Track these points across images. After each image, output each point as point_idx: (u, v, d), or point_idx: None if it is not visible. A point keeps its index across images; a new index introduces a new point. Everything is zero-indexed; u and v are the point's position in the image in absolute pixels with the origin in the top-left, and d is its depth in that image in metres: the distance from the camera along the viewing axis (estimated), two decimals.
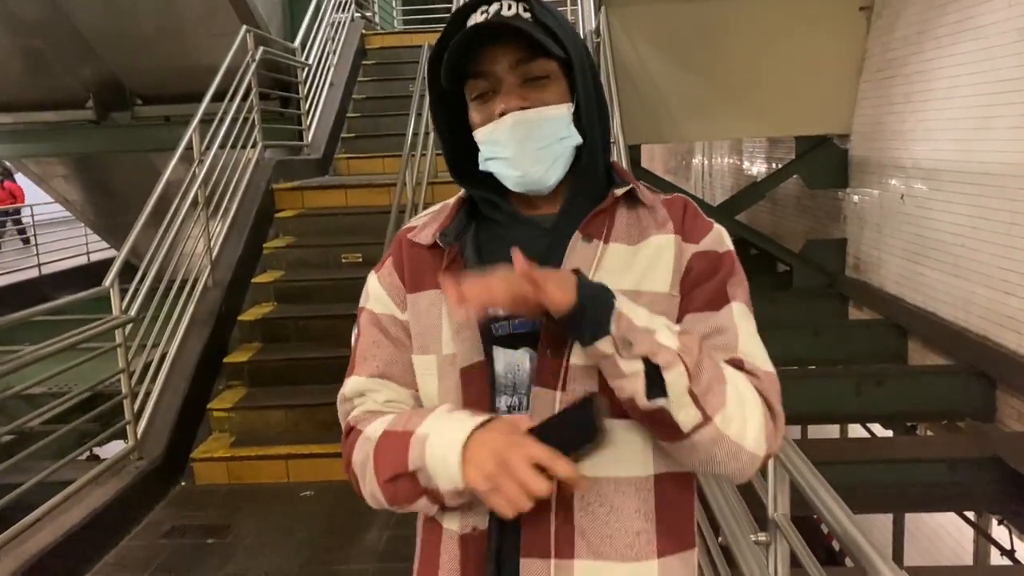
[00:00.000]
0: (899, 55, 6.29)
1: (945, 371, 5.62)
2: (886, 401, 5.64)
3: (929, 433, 6.60)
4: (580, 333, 1.01)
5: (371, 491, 1.12)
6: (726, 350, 1.07)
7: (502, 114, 1.09)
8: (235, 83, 6.07)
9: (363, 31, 9.69)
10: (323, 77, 8.26)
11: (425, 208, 5.05)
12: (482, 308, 0.99)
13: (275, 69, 7.29)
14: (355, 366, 1.20)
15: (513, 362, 1.10)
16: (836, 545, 8.58)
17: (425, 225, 1.19)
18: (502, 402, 1.10)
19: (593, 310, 0.99)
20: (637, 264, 1.10)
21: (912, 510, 6.60)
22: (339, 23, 8.99)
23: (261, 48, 6.54)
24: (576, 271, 1.02)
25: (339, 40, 8.91)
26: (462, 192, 1.22)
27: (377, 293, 1.20)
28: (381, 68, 9.33)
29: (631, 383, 0.99)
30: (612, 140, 5.41)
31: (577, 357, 1.06)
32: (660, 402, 0.99)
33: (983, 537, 7.04)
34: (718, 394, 1.01)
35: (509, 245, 1.04)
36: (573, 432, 1.01)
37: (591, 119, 1.13)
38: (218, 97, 5.84)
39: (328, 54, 8.48)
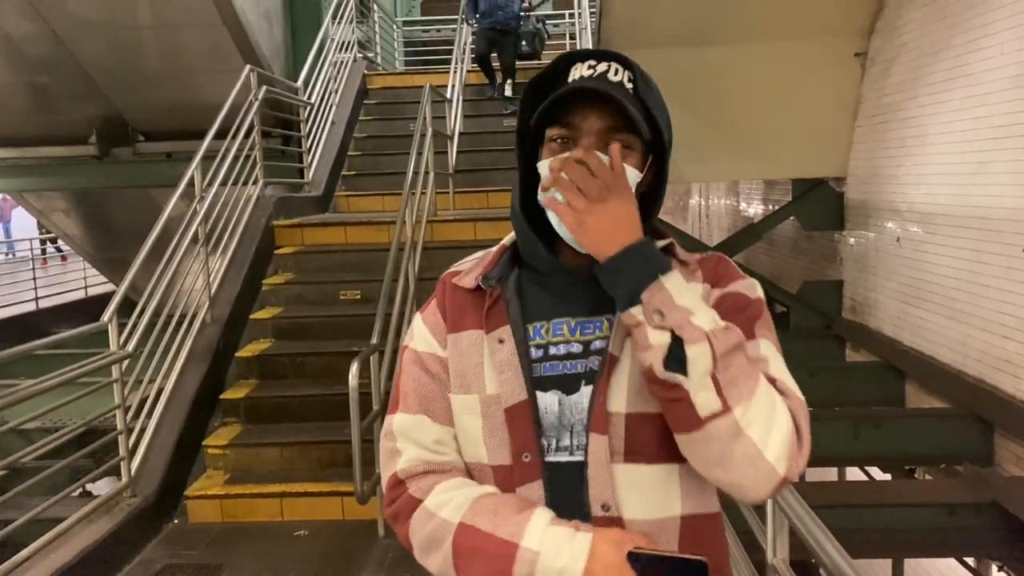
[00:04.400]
0: (894, 100, 6.38)
1: (943, 414, 5.61)
2: (884, 444, 5.62)
3: (928, 477, 6.56)
4: (615, 290, 1.06)
5: (441, 570, 1.12)
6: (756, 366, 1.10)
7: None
8: (238, 121, 6.12)
9: (365, 71, 9.80)
10: (325, 116, 8.34)
11: (424, 246, 5.00)
12: None
13: (277, 107, 7.37)
14: (398, 403, 1.22)
15: (543, 404, 1.13)
16: None
17: (469, 271, 1.23)
18: None
19: (633, 269, 1.04)
20: None
21: (911, 555, 6.53)
22: (341, 63, 9.10)
23: (264, 87, 6.61)
24: (649, 240, 1.07)
25: (341, 80, 9.00)
26: (505, 239, 1.26)
27: (421, 333, 1.24)
28: (382, 108, 9.43)
29: (653, 354, 1.01)
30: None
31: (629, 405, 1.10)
32: (678, 378, 1.00)
33: None
34: (744, 388, 1.01)
35: (550, 292, 1.18)
36: None
37: (662, 195, 1.19)
38: (220, 134, 5.89)
39: (330, 93, 8.57)
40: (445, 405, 1.19)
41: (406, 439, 1.19)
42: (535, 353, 1.14)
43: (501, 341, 1.15)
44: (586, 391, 1.11)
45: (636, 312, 1.03)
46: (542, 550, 1.03)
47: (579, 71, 1.14)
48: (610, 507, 1.08)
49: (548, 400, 1.12)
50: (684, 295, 1.03)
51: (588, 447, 1.10)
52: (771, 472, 1.02)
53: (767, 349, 1.11)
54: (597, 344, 1.13)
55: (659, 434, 1.09)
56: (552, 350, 1.14)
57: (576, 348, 1.14)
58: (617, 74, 1.13)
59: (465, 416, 1.17)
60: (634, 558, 1.02)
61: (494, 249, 1.26)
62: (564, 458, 1.11)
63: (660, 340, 1.01)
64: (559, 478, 1.11)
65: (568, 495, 1.09)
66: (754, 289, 1.17)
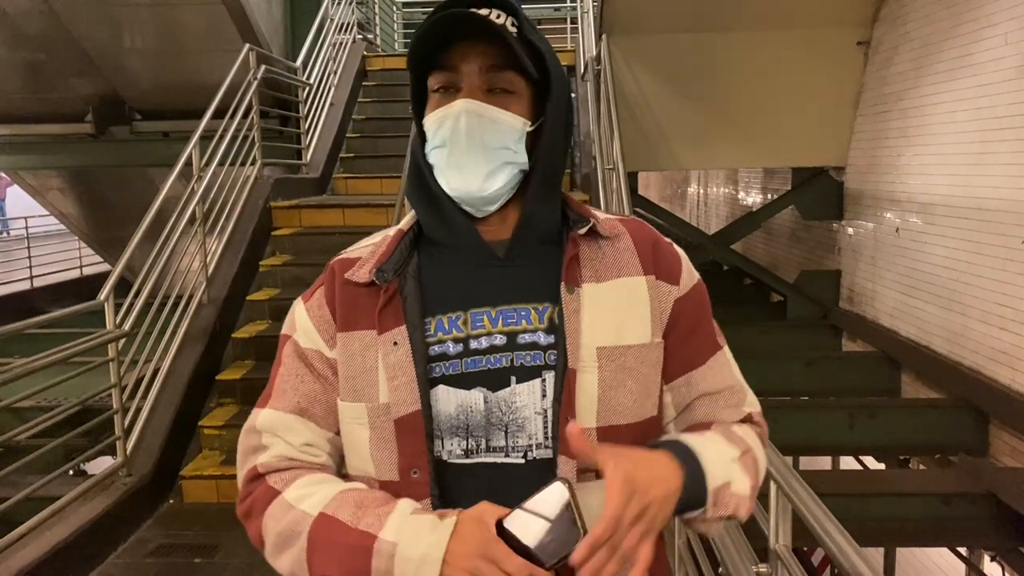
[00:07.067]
0: (895, 90, 6.36)
1: (938, 405, 5.63)
2: (879, 433, 5.64)
3: (922, 467, 6.58)
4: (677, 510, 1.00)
5: (292, 570, 1.03)
6: (737, 406, 1.13)
7: None
8: (236, 101, 6.07)
9: (364, 52, 9.74)
10: (323, 97, 8.29)
11: None
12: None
13: (276, 88, 7.32)
14: (270, 398, 1.12)
15: (466, 403, 1.03)
16: None
17: (363, 262, 1.10)
18: (455, 445, 1.03)
19: (693, 489, 1.00)
20: (612, 308, 1.07)
21: (905, 544, 6.57)
22: (341, 44, 9.04)
23: (263, 67, 6.56)
24: (668, 447, 1.01)
25: (340, 61, 8.95)
26: (402, 223, 1.14)
27: (304, 325, 1.12)
28: (381, 89, 9.37)
29: (712, 528, 1.08)
30: (610, 166, 5.45)
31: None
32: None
33: (975, 573, 7.00)
34: (759, 486, 1.10)
35: (455, 272, 1.07)
36: (554, 533, 0.91)
37: (556, 144, 1.09)
38: (218, 114, 5.85)
39: (329, 74, 8.52)
40: (327, 408, 1.09)
41: (273, 436, 1.09)
42: (453, 348, 1.04)
43: (396, 344, 1.04)
44: (519, 388, 1.03)
45: (694, 512, 1.02)
46: (400, 540, 0.94)
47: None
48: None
49: (473, 398, 1.03)
50: (717, 465, 1.03)
51: (558, 469, 1.01)
52: None
53: (729, 358, 1.15)
54: (525, 337, 1.04)
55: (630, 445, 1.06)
56: (473, 344, 1.04)
57: (499, 340, 1.04)
58: (500, 18, 1.04)
59: (352, 426, 1.06)
60: (502, 528, 0.92)
61: (391, 233, 1.13)
62: (499, 459, 1.03)
63: (718, 525, 1.07)
64: (491, 479, 1.02)
65: (504, 498, 0.97)
66: (692, 270, 1.14)
